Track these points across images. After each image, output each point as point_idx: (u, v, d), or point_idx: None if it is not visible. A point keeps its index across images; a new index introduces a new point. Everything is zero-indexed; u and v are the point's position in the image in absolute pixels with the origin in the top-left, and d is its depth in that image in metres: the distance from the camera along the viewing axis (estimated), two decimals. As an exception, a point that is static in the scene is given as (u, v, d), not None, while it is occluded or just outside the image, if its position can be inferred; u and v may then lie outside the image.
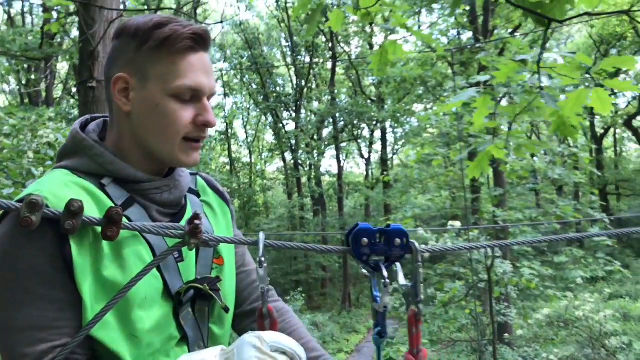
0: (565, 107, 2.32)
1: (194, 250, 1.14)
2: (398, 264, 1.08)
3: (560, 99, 2.51)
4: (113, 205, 1.03)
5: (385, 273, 1.04)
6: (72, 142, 1.11)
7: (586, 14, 1.81)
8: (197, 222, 0.91)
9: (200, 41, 1.08)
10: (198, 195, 1.26)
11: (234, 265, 1.29)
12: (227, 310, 1.18)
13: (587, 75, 2.30)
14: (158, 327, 1.03)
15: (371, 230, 1.06)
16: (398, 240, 1.07)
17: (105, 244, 0.97)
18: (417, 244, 1.06)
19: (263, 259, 0.97)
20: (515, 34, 14.30)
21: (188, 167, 1.16)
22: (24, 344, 0.91)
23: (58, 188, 0.98)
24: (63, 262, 0.93)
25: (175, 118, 1.06)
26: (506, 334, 11.52)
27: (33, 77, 15.36)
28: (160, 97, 1.06)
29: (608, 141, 31.35)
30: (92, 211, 0.98)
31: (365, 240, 1.05)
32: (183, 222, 1.05)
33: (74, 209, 0.90)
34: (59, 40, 13.58)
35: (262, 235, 1.00)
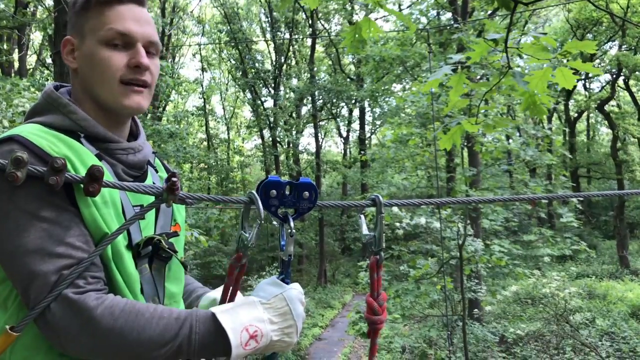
0: (532, 83, 2.43)
1: (154, 212, 1.22)
2: (362, 216, 1.14)
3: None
4: (92, 156, 1.10)
5: (292, 224, 1.09)
6: (46, 101, 1.17)
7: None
8: (174, 179, 0.97)
9: None
10: (156, 171, 1.34)
11: (184, 233, 1.37)
12: (185, 266, 1.26)
13: (553, 57, 2.40)
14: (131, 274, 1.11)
15: (280, 182, 1.10)
16: (307, 193, 1.11)
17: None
18: (380, 197, 1.12)
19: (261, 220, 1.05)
20: (494, 16, 14.40)
21: (134, 113, 1.22)
22: (38, 263, 0.96)
23: (38, 134, 1.05)
24: (63, 189, 0.99)
25: (109, 62, 1.14)
26: (476, 310, 11.83)
27: (5, 46, 14.94)
28: (94, 47, 1.15)
29: (582, 125, 31.91)
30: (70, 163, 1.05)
31: (274, 192, 1.09)
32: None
33: (57, 166, 0.95)
34: (32, 9, 13.21)
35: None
